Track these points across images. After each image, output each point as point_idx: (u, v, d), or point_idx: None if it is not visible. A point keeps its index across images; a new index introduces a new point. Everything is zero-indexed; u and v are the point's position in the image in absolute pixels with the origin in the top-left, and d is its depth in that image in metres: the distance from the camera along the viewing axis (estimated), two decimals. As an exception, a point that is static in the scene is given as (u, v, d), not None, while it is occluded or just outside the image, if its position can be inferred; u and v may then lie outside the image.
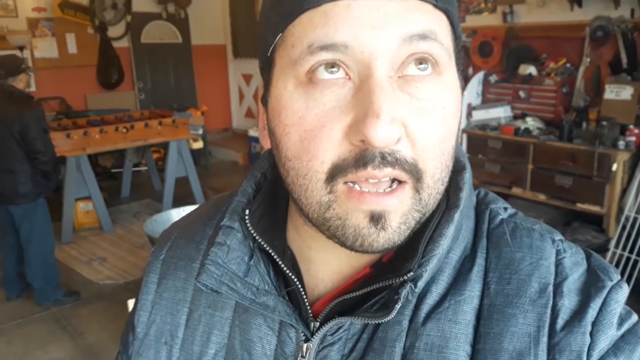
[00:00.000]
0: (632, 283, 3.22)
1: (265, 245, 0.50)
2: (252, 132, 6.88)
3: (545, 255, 0.47)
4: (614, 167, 3.50)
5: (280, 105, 0.44)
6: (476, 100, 4.66)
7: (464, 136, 4.54)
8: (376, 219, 0.42)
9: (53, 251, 3.60)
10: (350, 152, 0.41)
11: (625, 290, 0.46)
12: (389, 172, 0.41)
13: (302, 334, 0.49)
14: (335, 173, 0.42)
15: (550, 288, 0.45)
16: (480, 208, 0.52)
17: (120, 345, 0.62)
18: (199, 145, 5.33)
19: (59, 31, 6.46)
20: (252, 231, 0.50)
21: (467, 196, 0.49)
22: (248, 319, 0.52)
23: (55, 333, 3.27)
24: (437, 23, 0.43)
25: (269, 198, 0.53)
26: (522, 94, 4.36)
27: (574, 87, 4.14)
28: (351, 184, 0.42)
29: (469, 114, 4.58)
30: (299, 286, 0.50)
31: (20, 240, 3.44)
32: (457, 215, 0.47)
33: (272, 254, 0.50)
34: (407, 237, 0.45)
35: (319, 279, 0.52)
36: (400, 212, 0.43)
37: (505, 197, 4.23)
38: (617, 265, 3.35)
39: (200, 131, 6.38)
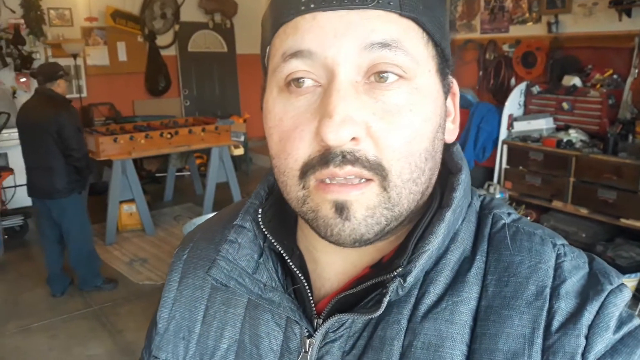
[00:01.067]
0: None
1: (275, 244, 0.53)
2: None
3: (545, 258, 0.48)
4: (661, 182, 3.37)
5: (267, 109, 0.49)
6: (518, 112, 4.57)
7: (505, 147, 4.47)
8: (340, 208, 0.45)
9: (91, 240, 3.89)
10: (318, 151, 0.45)
11: (625, 295, 0.46)
12: (349, 169, 0.44)
13: (306, 330, 0.51)
14: (306, 170, 0.45)
15: (548, 290, 0.46)
16: (483, 212, 0.53)
17: (145, 340, 0.66)
18: (240, 151, 5.44)
19: (110, 39, 6.74)
20: (264, 230, 0.54)
21: (461, 196, 0.50)
22: (257, 316, 0.54)
23: (95, 330, 3.40)
24: (403, 32, 0.45)
25: (280, 200, 0.56)
26: (565, 105, 4.25)
27: (621, 98, 4.01)
28: (322, 180, 0.45)
29: (510, 125, 4.50)
30: (305, 284, 0.52)
31: (60, 234, 3.71)
32: (448, 214, 0.48)
33: (282, 252, 0.53)
34: (379, 233, 0.46)
35: (325, 279, 0.54)
36: (365, 205, 0.45)
37: (546, 210, 4.14)
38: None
39: (242, 138, 6.51)
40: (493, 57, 5.03)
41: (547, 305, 0.45)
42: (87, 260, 3.79)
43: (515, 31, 4.88)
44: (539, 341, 0.44)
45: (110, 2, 6.58)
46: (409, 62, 0.45)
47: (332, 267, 0.53)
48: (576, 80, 4.22)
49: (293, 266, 0.53)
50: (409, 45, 0.45)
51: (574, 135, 4.05)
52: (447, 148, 0.54)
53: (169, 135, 4.95)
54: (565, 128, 4.22)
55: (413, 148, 0.45)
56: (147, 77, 7.06)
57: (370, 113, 0.44)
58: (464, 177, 0.52)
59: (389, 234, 0.49)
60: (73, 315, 3.58)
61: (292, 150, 0.46)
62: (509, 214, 0.53)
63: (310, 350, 0.50)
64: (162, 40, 7.11)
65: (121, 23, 6.74)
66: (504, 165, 4.48)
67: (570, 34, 4.44)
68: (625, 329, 0.45)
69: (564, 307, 0.45)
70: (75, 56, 6.13)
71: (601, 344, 0.44)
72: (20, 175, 5.23)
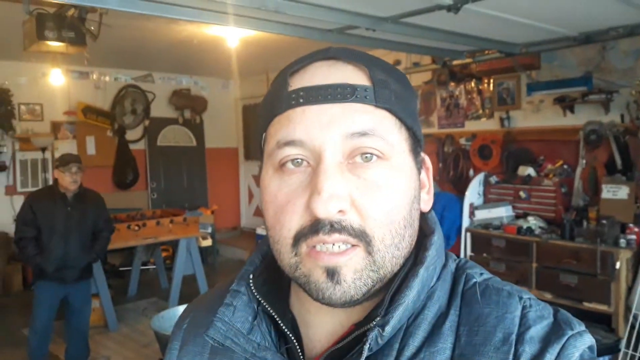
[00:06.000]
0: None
1: (267, 306, 0.58)
2: (260, 231, 6.97)
3: (511, 309, 0.53)
4: (617, 264, 3.53)
5: (263, 186, 0.56)
6: (478, 200, 4.78)
7: (468, 235, 4.62)
8: (331, 273, 0.51)
9: (35, 334, 3.75)
10: (309, 221, 0.51)
11: (586, 339, 0.51)
12: (336, 237, 0.50)
13: None
14: (298, 238, 0.52)
15: (513, 337, 0.51)
16: (458, 273, 0.59)
17: None
18: (207, 243, 5.43)
19: (80, 134, 6.82)
20: (256, 293, 0.59)
21: (434, 255, 0.56)
22: None
23: None
24: (378, 121, 0.52)
25: (274, 267, 0.61)
26: (522, 194, 4.49)
27: (573, 187, 4.27)
28: (313, 247, 0.51)
29: (472, 214, 4.68)
30: (295, 343, 0.57)
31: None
32: (421, 270, 0.54)
33: (273, 314, 0.58)
34: (366, 293, 0.52)
35: (316, 340, 0.58)
36: (353, 269, 0.51)
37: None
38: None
39: (210, 229, 6.50)
40: (451, 150, 5.32)
41: (512, 349, 0.50)
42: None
43: (471, 126, 5.21)
44: None
45: (82, 98, 6.74)
46: (385, 146, 0.52)
47: (322, 328, 0.58)
48: (530, 170, 4.49)
49: (284, 327, 0.57)
50: (384, 131, 0.53)
51: (532, 222, 4.24)
52: (422, 214, 0.60)
53: (136, 228, 4.92)
54: (524, 215, 4.42)
55: (393, 217, 0.52)
56: (115, 171, 7.09)
57: (354, 188, 0.51)
58: (436, 239, 0.58)
59: (374, 296, 0.54)
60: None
61: (285, 221, 0.52)
62: (481, 273, 0.59)
63: None
64: (131, 134, 7.24)
65: (91, 118, 6.86)
66: (469, 253, 4.61)
67: (521, 128, 4.77)
68: None
69: (528, 350, 0.50)
70: (43, 149, 6.16)
71: None
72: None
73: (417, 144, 0.57)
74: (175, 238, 5.13)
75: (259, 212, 8.18)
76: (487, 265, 4.36)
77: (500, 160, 4.83)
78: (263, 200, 0.56)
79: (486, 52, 4.52)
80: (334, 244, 0.51)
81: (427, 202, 0.60)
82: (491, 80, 4.99)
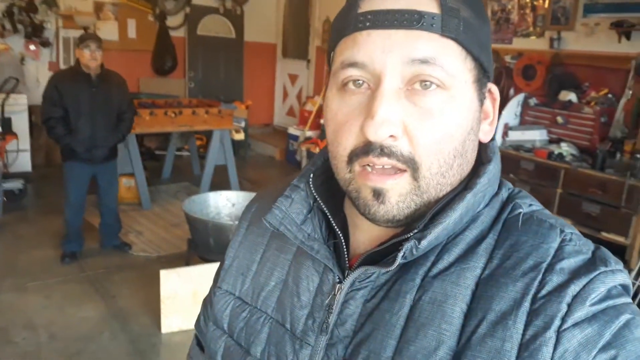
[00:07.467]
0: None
1: (321, 204, 0.62)
2: (292, 130, 7.07)
3: (548, 240, 0.54)
4: (643, 199, 3.52)
5: (326, 103, 0.59)
6: (514, 121, 4.71)
7: (498, 155, 4.60)
8: (377, 194, 0.54)
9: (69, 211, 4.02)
10: (362, 142, 0.54)
11: (618, 277, 0.51)
12: (385, 161, 0.53)
13: (337, 277, 0.60)
14: (351, 157, 0.55)
15: (544, 265, 0.52)
16: (507, 202, 0.59)
17: (213, 281, 0.78)
18: (240, 136, 5.55)
19: (121, 16, 6.81)
20: (313, 191, 0.63)
21: (485, 183, 0.57)
22: (301, 261, 0.64)
23: (89, 294, 3.51)
24: (442, 50, 0.52)
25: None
26: (560, 119, 4.40)
27: (613, 117, 4.16)
28: (364, 167, 0.54)
29: (505, 134, 4.64)
30: (342, 240, 0.61)
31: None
32: (469, 195, 0.55)
33: (326, 211, 0.62)
34: (409, 215, 0.55)
35: (361, 241, 0.63)
36: (398, 192, 0.54)
37: (532, 218, 4.28)
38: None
39: (243, 124, 6.62)
40: (495, 67, 5.16)
41: (540, 276, 0.51)
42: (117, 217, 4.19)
43: (518, 43, 5.01)
44: (526, 304, 0.50)
45: (124, -21, 6.66)
46: (445, 76, 0.52)
47: (369, 233, 0.62)
48: (572, 96, 4.37)
49: (334, 224, 0.61)
50: (446, 61, 0.52)
51: (565, 148, 4.19)
52: (484, 143, 0.61)
53: (172, 115, 5.05)
54: (558, 141, 4.36)
55: (442, 146, 0.53)
56: (154, 56, 7.13)
57: (408, 115, 0.52)
58: (491, 168, 0.59)
59: (419, 217, 0.56)
60: (68, 279, 3.69)
61: (342, 140, 0.55)
62: (530, 204, 0.59)
63: (338, 294, 0.59)
64: (172, 21, 7.18)
65: (133, 0, 6.81)
66: (496, 172, 4.62)
67: (570, 51, 4.58)
68: (609, 302, 0.49)
69: (555, 279, 0.51)
70: (85, 29, 6.20)
71: (581, 312, 0.49)
72: (23, 140, 5.32)
73: (483, 74, 0.58)
74: (209, 129, 5.26)
75: (292, 112, 8.23)
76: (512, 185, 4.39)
77: (543, 83, 4.69)
78: (325, 117, 0.59)
79: (547, -36, 4.23)
80: (383, 167, 0.53)
81: (487, 133, 0.61)
82: (548, -4, 4.72)
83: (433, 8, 0.52)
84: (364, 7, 0.54)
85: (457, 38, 0.53)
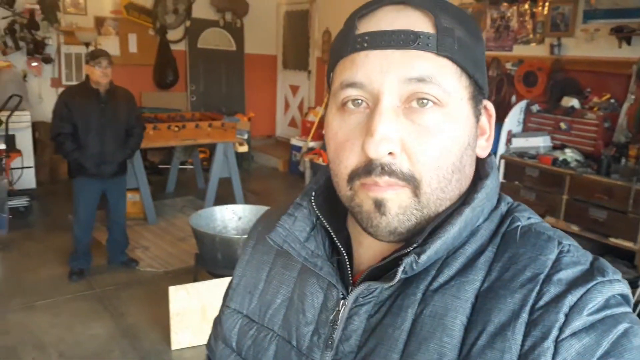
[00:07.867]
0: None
1: (324, 221, 0.64)
2: (294, 141, 7.09)
3: (546, 252, 0.54)
4: (650, 204, 3.52)
5: (327, 122, 0.60)
6: (517, 128, 4.72)
7: (502, 162, 4.62)
8: (378, 205, 0.55)
9: (78, 227, 4.02)
10: (363, 161, 0.55)
11: (616, 287, 0.51)
12: (386, 179, 0.54)
13: (341, 293, 0.61)
14: (352, 176, 0.56)
15: (542, 277, 0.52)
16: (506, 215, 0.60)
17: (222, 300, 0.79)
18: (244, 149, 5.56)
19: (122, 30, 6.85)
20: (316, 209, 0.65)
21: (483, 198, 0.58)
22: (306, 278, 0.65)
23: (97, 311, 3.51)
24: (438, 68, 0.54)
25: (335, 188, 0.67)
26: (563, 125, 4.41)
27: (616, 122, 4.17)
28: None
29: (508, 141, 4.65)
30: (345, 256, 0.62)
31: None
32: (467, 210, 0.56)
33: (329, 228, 0.63)
34: (410, 229, 0.56)
35: (364, 258, 0.64)
36: (398, 204, 0.55)
37: (538, 225, 4.28)
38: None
39: (246, 136, 6.63)
40: (496, 74, 5.18)
41: (537, 288, 0.52)
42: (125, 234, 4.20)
43: (519, 50, 5.04)
44: (524, 316, 0.51)
45: (124, -6, 6.70)
46: (441, 93, 0.54)
47: (372, 249, 0.64)
48: (575, 102, 4.38)
49: (337, 240, 0.63)
50: (442, 79, 0.54)
51: (569, 154, 4.20)
52: (481, 159, 0.62)
53: (176, 128, 5.06)
54: (562, 147, 4.37)
55: (441, 163, 0.55)
56: (155, 70, 7.17)
57: (406, 132, 0.54)
58: (489, 183, 0.60)
59: (419, 232, 0.57)
60: (76, 296, 3.69)
61: (343, 158, 0.57)
62: (529, 217, 0.60)
63: (342, 310, 0.60)
64: (172, 34, 7.23)
65: (134, 15, 6.85)
66: (501, 179, 4.63)
67: (571, 57, 4.60)
68: (608, 312, 0.50)
69: (553, 290, 0.51)
70: (87, 45, 6.24)
71: (579, 321, 0.49)
72: (27, 157, 5.33)
73: (478, 91, 0.59)
74: (213, 142, 5.27)
75: (294, 123, 8.24)
76: (517, 193, 4.40)
77: (545, 89, 4.71)
78: (326, 136, 0.60)
79: (546, -28, 4.26)
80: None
81: (484, 149, 0.62)
82: (546, 4, 4.75)
83: (428, 28, 0.54)
84: (362, 29, 0.56)
85: (452, 57, 0.54)
